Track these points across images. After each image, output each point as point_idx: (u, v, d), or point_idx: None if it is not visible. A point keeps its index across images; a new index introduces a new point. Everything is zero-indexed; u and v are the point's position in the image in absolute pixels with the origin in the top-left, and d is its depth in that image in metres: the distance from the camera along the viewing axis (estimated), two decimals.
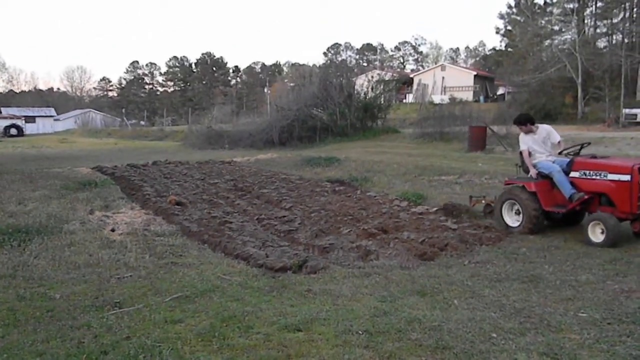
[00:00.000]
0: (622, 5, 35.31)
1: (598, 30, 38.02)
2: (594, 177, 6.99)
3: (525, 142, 7.88)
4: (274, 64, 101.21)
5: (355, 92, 27.95)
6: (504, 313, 4.41)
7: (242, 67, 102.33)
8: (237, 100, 74.20)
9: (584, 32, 35.28)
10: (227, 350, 3.76)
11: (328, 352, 3.69)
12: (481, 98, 47.46)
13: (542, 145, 7.79)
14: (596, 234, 6.68)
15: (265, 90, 64.90)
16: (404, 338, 3.90)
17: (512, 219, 7.74)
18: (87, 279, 5.49)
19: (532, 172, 7.66)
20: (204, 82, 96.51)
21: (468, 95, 45.72)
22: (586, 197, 7.00)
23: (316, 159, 17.27)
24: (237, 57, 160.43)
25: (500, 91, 49.64)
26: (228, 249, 6.74)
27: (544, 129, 7.94)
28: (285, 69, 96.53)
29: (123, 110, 73.19)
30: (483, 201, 8.83)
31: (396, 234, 7.52)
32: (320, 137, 26.25)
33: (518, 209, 7.62)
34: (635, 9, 34.86)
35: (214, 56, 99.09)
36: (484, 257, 6.29)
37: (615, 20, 36.45)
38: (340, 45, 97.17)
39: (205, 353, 3.71)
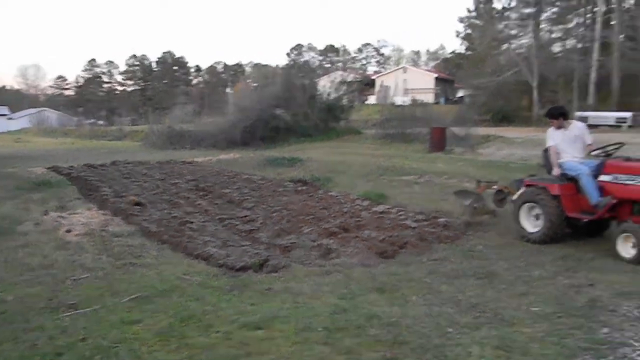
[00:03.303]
0: (577, 12, 36.46)
1: (553, 35, 39.10)
2: (627, 182, 6.13)
3: (554, 138, 7.08)
4: (236, 64, 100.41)
5: (318, 93, 28.09)
6: (460, 308, 4.52)
7: (204, 66, 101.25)
8: (199, 100, 73.35)
9: (540, 36, 36.25)
10: (185, 349, 3.74)
11: (288, 350, 3.72)
12: (442, 100, 48.24)
13: (571, 144, 7.00)
14: (627, 248, 5.90)
15: (228, 90, 64.38)
16: (362, 334, 3.96)
17: (530, 224, 7.01)
18: (42, 281, 5.36)
19: (555, 170, 6.92)
20: (164, 82, 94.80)
21: (429, 97, 46.34)
22: (614, 201, 6.21)
23: (279, 159, 17.25)
24: (199, 56, 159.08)
25: (460, 94, 50.50)
26: (188, 249, 6.68)
27: (576, 126, 7.16)
28: (247, 69, 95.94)
29: (80, 109, 71.37)
30: (494, 187, 8.08)
31: (357, 233, 7.59)
32: (283, 137, 26.18)
33: (538, 214, 6.89)
34: (588, 15, 36.01)
35: (175, 55, 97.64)
36: (442, 255, 6.43)
37: (569, 26, 37.57)
38: (302, 46, 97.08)
39: (164, 352, 3.68)
